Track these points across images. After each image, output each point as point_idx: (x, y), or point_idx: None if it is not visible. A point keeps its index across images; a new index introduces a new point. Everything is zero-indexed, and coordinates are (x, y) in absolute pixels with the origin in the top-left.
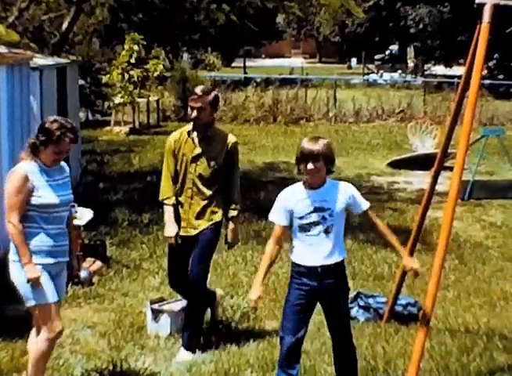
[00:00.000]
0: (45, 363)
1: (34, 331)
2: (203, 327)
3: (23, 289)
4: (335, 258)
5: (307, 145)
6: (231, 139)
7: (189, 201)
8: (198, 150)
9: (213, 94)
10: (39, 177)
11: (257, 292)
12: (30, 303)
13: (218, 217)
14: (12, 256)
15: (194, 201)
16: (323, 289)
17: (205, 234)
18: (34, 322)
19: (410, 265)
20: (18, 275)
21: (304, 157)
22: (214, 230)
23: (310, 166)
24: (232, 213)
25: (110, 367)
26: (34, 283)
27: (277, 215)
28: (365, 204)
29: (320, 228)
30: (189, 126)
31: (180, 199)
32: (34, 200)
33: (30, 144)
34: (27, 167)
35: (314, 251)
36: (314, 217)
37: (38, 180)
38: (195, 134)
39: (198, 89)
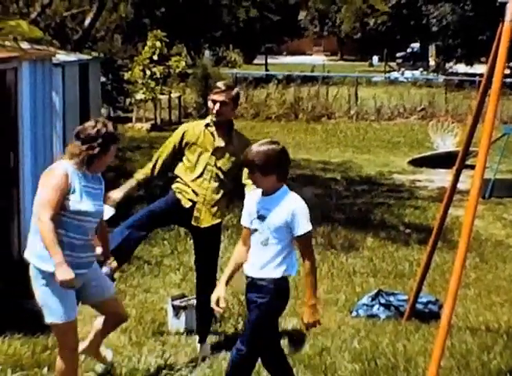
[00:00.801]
0: None
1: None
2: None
3: (41, 304)
4: (267, 273)
5: (246, 152)
6: (248, 140)
7: (205, 192)
8: (218, 144)
9: (235, 90)
10: (78, 181)
11: (218, 292)
12: (46, 320)
13: (222, 217)
14: (35, 261)
15: (209, 193)
16: (248, 301)
17: (214, 232)
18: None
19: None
20: (37, 288)
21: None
22: (219, 228)
23: (249, 176)
24: None
25: (131, 363)
26: (67, 286)
27: (242, 217)
28: (300, 229)
29: (259, 237)
30: (205, 121)
31: (196, 190)
32: (71, 205)
33: (88, 157)
34: (68, 167)
35: (252, 260)
36: (256, 224)
37: (77, 183)
38: (214, 128)
39: (221, 83)
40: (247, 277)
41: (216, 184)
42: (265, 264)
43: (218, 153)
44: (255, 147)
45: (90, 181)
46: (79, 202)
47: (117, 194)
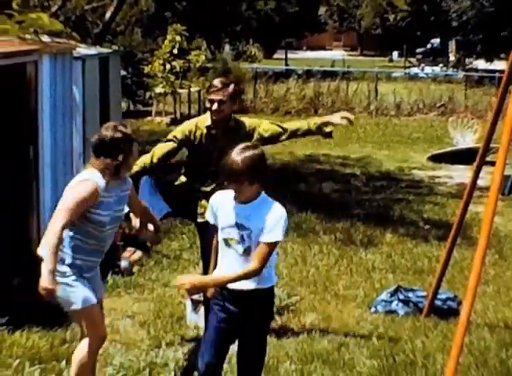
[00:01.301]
0: (88, 370)
1: (80, 344)
2: None
3: (67, 293)
4: (254, 284)
5: (229, 161)
6: (249, 123)
7: (209, 190)
8: (222, 144)
9: (232, 86)
10: (105, 193)
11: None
12: (67, 308)
13: None
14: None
15: (214, 191)
16: (242, 315)
17: None
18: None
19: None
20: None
21: (225, 174)
22: None
23: (231, 186)
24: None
25: (149, 357)
26: (46, 296)
27: (209, 216)
28: (273, 236)
29: (239, 247)
30: (205, 118)
31: (200, 188)
32: (94, 218)
33: (115, 167)
34: (100, 180)
35: (232, 271)
36: (233, 233)
37: (105, 196)
38: (215, 129)
39: (217, 81)
40: (231, 290)
41: (218, 184)
42: None
43: (221, 153)
44: (238, 156)
45: (115, 188)
46: (102, 215)
47: None
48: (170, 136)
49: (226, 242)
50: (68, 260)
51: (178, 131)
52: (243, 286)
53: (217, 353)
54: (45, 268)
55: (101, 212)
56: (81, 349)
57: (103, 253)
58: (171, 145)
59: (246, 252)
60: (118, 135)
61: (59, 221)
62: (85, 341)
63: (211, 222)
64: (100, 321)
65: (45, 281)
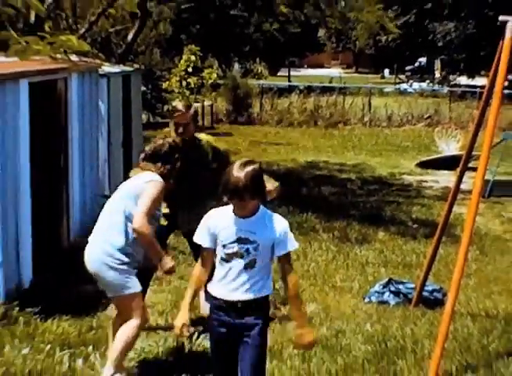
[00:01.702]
0: (130, 348)
1: (127, 323)
2: None
3: (124, 279)
4: (256, 294)
5: (231, 179)
6: (204, 137)
7: (186, 200)
8: (193, 160)
9: (193, 109)
10: None
11: (182, 318)
12: (127, 291)
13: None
14: (113, 251)
15: (190, 200)
16: (243, 326)
17: None
18: (121, 312)
19: (303, 340)
20: (109, 269)
21: (227, 191)
22: None
23: (235, 202)
24: None
25: (167, 343)
26: (170, 272)
27: (200, 237)
28: (290, 246)
29: (242, 261)
30: (175, 138)
31: (176, 198)
32: (155, 213)
33: (167, 172)
34: (162, 181)
35: (234, 284)
36: (237, 248)
37: None
38: (182, 145)
39: (180, 105)
40: (231, 302)
41: (194, 191)
42: (255, 285)
43: (192, 166)
44: (240, 172)
45: None
46: (159, 211)
47: None
48: None
49: (229, 257)
50: (130, 250)
51: None
52: (243, 296)
53: (227, 367)
54: (157, 258)
55: (160, 208)
56: (128, 330)
57: None
58: None
59: (250, 265)
60: (172, 143)
61: (143, 222)
62: (132, 323)
63: (205, 245)
64: (145, 307)
65: (164, 265)
